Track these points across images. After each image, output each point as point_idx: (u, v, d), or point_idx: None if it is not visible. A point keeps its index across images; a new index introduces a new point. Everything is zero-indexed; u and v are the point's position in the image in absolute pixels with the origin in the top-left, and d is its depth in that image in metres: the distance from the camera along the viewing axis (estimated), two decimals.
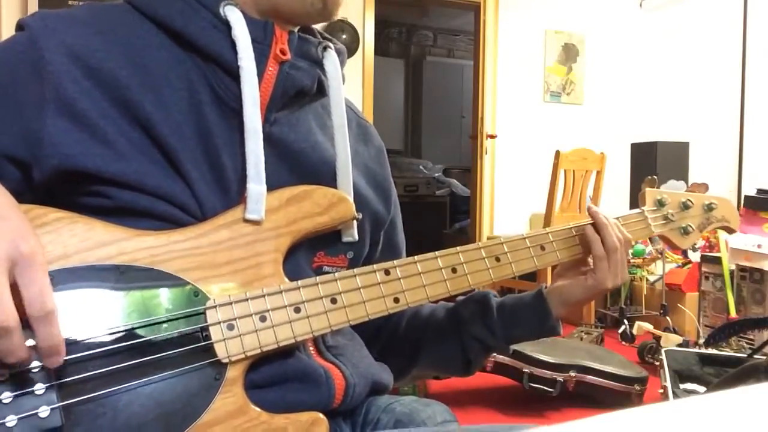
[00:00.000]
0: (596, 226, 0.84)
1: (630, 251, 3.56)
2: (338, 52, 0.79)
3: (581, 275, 0.85)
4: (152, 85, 0.68)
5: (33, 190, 0.67)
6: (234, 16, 0.70)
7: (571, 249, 0.85)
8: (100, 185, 0.65)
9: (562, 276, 0.88)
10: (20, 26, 0.69)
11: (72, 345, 0.58)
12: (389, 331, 0.89)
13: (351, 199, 0.74)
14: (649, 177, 0.91)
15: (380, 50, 6.40)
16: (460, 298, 0.90)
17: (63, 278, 0.60)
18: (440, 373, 1.00)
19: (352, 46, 4.02)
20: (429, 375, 1.11)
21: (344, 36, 4.01)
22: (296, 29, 0.77)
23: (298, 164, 0.74)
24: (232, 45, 0.69)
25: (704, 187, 1.00)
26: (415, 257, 0.74)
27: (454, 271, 0.75)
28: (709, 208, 0.96)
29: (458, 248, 0.77)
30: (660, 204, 0.93)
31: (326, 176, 0.75)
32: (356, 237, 0.77)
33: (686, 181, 4.08)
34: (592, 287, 0.83)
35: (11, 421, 0.55)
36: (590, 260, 0.85)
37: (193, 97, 0.69)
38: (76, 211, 0.65)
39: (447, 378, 2.19)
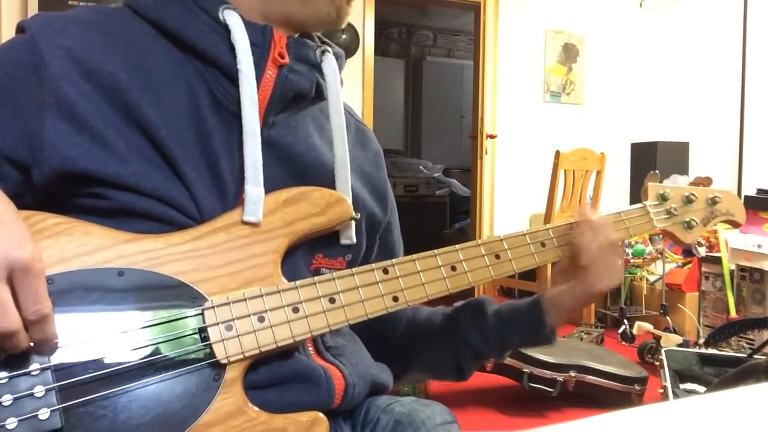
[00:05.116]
0: (581, 233, 0.80)
1: (629, 251, 3.59)
2: (336, 56, 0.79)
3: (571, 282, 0.82)
4: (151, 87, 0.68)
5: (33, 192, 0.67)
6: (233, 20, 0.70)
7: (572, 246, 0.83)
8: (99, 187, 0.65)
9: (556, 282, 0.85)
10: (20, 28, 0.69)
11: (71, 348, 0.58)
12: (385, 336, 0.88)
13: (349, 200, 0.74)
14: (652, 171, 0.90)
15: (380, 50, 6.40)
16: (458, 303, 0.90)
17: (62, 282, 0.60)
18: (434, 379, 0.99)
19: (352, 46, 4.02)
20: (423, 379, 1.11)
21: (344, 36, 4.00)
22: (296, 33, 0.77)
23: (295, 167, 0.74)
24: (231, 49, 0.70)
25: (708, 180, 0.98)
26: (414, 255, 0.74)
27: (453, 269, 0.75)
28: (713, 201, 0.94)
29: (457, 246, 0.76)
30: (663, 198, 0.91)
31: (323, 179, 0.75)
32: (354, 240, 0.76)
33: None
34: (581, 295, 0.80)
35: (11, 423, 0.55)
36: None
37: (192, 100, 0.70)
38: (75, 212, 0.65)
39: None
